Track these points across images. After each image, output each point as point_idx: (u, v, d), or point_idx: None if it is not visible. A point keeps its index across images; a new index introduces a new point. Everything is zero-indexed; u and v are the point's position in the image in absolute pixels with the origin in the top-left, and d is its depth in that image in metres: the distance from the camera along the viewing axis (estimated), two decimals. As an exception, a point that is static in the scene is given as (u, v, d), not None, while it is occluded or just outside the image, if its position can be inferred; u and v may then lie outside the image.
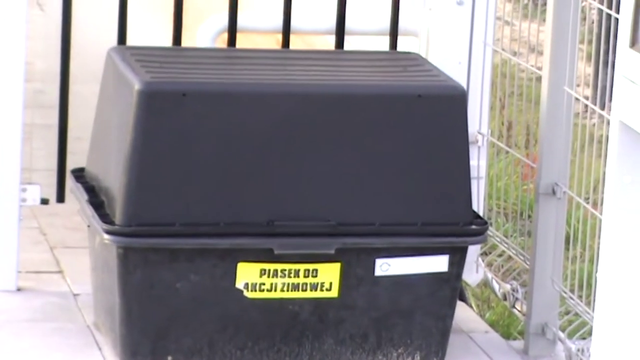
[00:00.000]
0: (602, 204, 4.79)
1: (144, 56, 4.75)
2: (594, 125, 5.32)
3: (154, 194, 4.49)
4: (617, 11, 3.97)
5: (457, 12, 5.17)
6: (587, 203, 5.08)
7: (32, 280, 5.17)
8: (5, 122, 5.02)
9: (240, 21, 5.13)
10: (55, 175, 5.16)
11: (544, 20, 5.07)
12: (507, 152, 5.61)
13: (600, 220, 4.73)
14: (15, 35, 5.03)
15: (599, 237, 3.98)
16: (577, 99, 5.02)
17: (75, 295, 5.11)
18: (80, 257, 5.09)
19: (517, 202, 5.81)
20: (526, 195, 5.88)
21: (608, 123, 4.93)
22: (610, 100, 3.68)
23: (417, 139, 4.65)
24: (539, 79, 5.30)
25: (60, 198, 5.14)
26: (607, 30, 4.90)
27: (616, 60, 3.31)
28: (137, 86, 4.44)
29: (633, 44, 3.25)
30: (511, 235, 5.57)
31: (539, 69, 5.14)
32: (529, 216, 5.57)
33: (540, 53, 5.21)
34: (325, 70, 4.93)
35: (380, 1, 5.23)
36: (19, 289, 5.10)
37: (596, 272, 3.64)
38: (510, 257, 5.44)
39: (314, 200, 4.59)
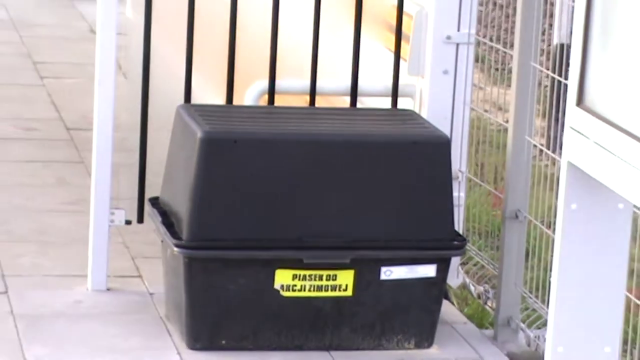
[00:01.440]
0: (554, 225, 4.84)
1: (204, 112, 4.78)
2: (546, 165, 5.36)
3: (211, 216, 4.54)
4: (566, 78, 3.99)
5: (443, 79, 5.17)
6: (542, 225, 5.09)
7: (118, 282, 5.17)
8: (99, 162, 5.05)
9: (278, 85, 5.13)
10: (136, 202, 5.17)
11: (509, 85, 5.09)
12: (480, 185, 5.64)
13: (553, 239, 4.78)
14: (107, 97, 5.06)
15: (552, 251, 4.02)
16: (534, 146, 5.05)
17: (151, 294, 5.12)
18: (154, 265, 5.10)
19: (488, 224, 5.86)
20: (495, 218, 5.91)
21: (554, 164, 5.00)
22: (560, 147, 3.70)
23: (413, 175, 4.69)
24: (505, 130, 5.32)
25: (140, 219, 5.15)
26: (558, 93, 4.93)
27: (566, 115, 3.29)
28: (199, 134, 4.50)
29: (579, 102, 3.24)
30: (483, 249, 5.59)
31: (506, 122, 5.16)
32: (497, 235, 5.60)
33: (507, 110, 5.25)
34: (342, 123, 4.99)
35: (384, 70, 5.22)
36: (108, 289, 5.11)
37: (549, 277, 3.66)
38: (483, 266, 5.46)
39: (333, 221, 4.64)
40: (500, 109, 6.12)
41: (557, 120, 5.01)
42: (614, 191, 3.05)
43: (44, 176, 6.52)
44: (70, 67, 8.58)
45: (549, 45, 6.66)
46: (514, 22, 5.16)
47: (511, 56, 5.12)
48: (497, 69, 6.17)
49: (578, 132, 3.24)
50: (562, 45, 5.40)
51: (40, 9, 10.13)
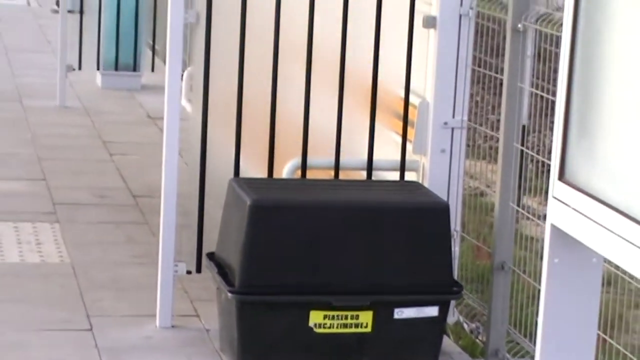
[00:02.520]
0: (536, 275, 4.89)
1: (251, 184, 4.81)
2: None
3: (258, 268, 4.59)
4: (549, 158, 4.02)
5: (441, 157, 5.16)
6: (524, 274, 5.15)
7: (180, 321, 5.18)
8: (166, 223, 5.08)
9: (308, 162, 5.17)
10: (195, 256, 5.20)
11: (496, 160, 5.14)
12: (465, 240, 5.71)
13: (534, 287, 4.84)
14: (172, 171, 5.11)
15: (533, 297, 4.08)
16: (518, 210, 5.10)
17: (207, 330, 5.11)
18: (210, 306, 5.10)
19: (473, 272, 5.91)
20: (477, 267, 5.95)
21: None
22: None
23: (419, 234, 4.72)
24: (480, 194, 5.40)
25: (198, 270, 5.17)
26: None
27: (549, 187, 3.32)
28: (248, 202, 4.55)
29: (560, 177, 3.27)
30: (472, 292, 5.63)
31: (493, 191, 5.21)
32: (480, 280, 5.66)
33: (494, 182, 5.30)
34: (361, 192, 5.03)
35: (394, 149, 5.25)
36: (173, 326, 5.12)
37: (535, 316, 3.70)
38: (473, 307, 5.50)
39: (356, 271, 4.67)
40: (471, 177, 6.21)
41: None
42: (589, 247, 3.09)
43: (116, 235, 6.53)
44: (133, 145, 8.60)
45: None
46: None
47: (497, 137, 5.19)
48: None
49: (560, 200, 3.27)
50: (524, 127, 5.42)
51: (107, 99, 10.17)
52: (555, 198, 3.32)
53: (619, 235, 2.89)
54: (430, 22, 5.09)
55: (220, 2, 5.27)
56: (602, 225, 3.00)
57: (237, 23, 5.16)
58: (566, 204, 3.24)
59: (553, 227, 3.34)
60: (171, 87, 5.12)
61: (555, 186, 3.32)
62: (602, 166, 3.06)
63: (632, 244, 2.82)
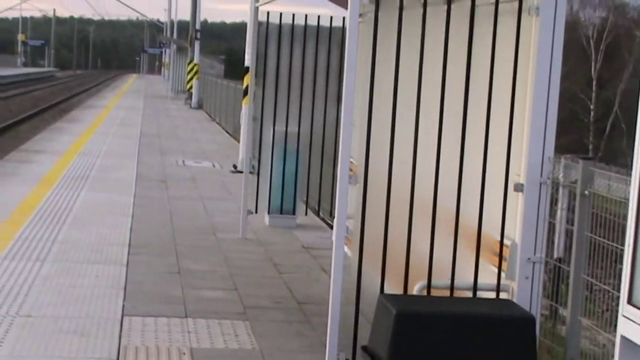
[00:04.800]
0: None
1: (394, 298, 4.72)
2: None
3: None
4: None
5: (526, 282, 5.13)
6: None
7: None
8: (331, 325, 5.11)
9: (433, 284, 5.19)
10: (352, 347, 5.23)
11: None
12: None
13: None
14: (337, 293, 5.17)
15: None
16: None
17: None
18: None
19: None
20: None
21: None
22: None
23: (512, 338, 4.55)
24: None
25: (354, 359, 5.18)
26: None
27: (619, 308, 3.31)
28: (394, 312, 4.49)
29: (629, 300, 3.28)
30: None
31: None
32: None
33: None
34: (469, 306, 4.87)
35: (491, 276, 5.25)
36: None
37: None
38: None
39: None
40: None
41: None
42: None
43: (289, 330, 6.59)
44: (294, 267, 8.74)
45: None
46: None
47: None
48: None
49: (628, 318, 3.30)
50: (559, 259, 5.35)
51: (273, 234, 10.37)
52: (624, 316, 3.34)
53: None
54: (518, 188, 5.13)
55: (371, 172, 5.41)
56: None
57: (384, 189, 5.29)
58: (633, 321, 3.25)
59: (623, 338, 3.35)
60: (338, 237, 5.25)
61: (624, 308, 3.34)
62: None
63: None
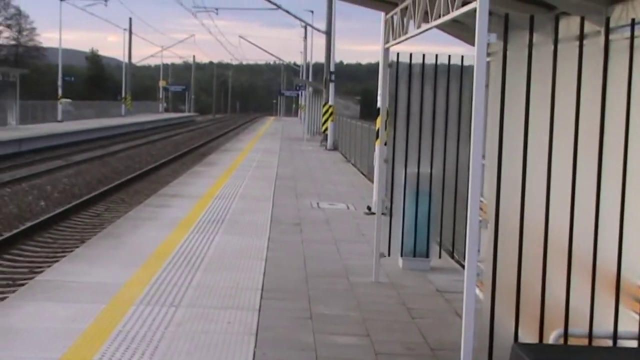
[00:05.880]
0: None
1: (529, 347, 4.57)
2: None
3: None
4: None
5: None
6: None
7: None
8: None
9: (569, 332, 5.03)
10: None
11: None
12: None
13: None
14: (468, 339, 5.08)
15: None
16: None
17: None
18: None
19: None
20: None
21: None
22: None
23: None
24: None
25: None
26: None
27: None
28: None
29: None
30: None
31: None
32: None
33: None
34: (612, 356, 4.62)
35: (632, 323, 5.03)
36: None
37: None
38: None
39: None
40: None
41: None
42: None
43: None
44: (427, 311, 8.64)
45: None
46: None
47: None
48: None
49: None
50: None
51: (406, 277, 10.30)
52: None
53: None
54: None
55: (503, 212, 5.31)
56: None
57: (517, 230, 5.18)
58: None
59: None
60: (469, 281, 5.16)
61: None
62: None
63: None
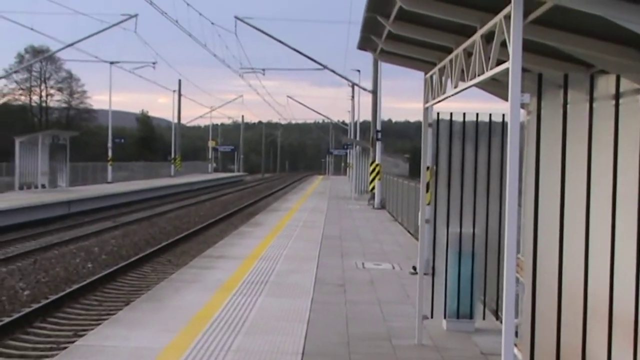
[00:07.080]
0: None
1: None
2: None
3: None
4: None
5: None
6: None
7: None
8: None
9: None
10: None
11: None
12: None
13: None
14: None
15: None
16: None
17: None
18: None
19: None
20: None
21: None
22: None
23: None
24: None
25: None
26: None
27: None
28: None
29: None
30: None
31: None
32: None
33: None
34: None
35: None
36: None
37: None
38: None
39: None
40: None
41: None
42: None
43: None
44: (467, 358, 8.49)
45: None
46: None
47: None
48: None
49: None
50: None
51: (450, 339, 10.18)
52: None
53: None
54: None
55: (541, 272, 5.23)
56: None
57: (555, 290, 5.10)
58: None
59: None
60: (507, 342, 5.06)
61: None
62: None
63: None
